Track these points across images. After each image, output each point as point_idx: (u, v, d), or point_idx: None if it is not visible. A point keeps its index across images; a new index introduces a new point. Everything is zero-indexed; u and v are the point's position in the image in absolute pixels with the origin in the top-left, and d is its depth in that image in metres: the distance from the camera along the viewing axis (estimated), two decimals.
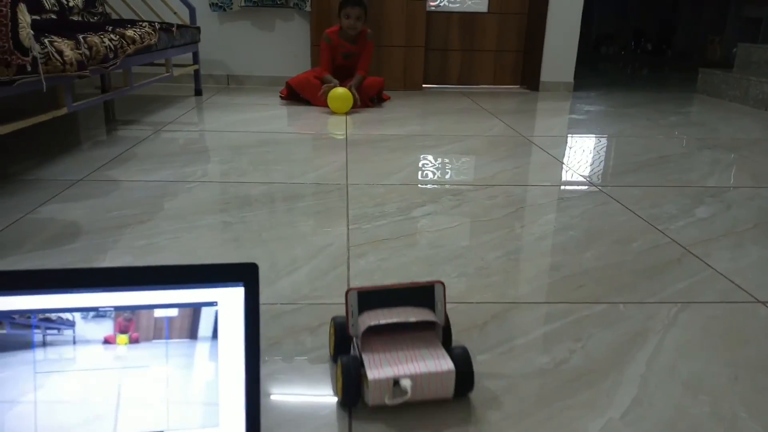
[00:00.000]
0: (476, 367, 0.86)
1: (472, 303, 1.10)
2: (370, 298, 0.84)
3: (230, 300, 0.63)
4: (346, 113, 3.05)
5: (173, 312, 0.62)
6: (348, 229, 1.45)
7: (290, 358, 0.91)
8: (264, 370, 0.88)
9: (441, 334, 0.86)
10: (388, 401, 0.77)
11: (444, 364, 0.79)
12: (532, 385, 0.86)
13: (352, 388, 0.78)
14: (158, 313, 0.62)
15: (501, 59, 4.29)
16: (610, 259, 1.32)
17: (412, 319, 0.82)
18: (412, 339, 0.84)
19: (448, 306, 1.02)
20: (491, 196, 1.74)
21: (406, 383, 0.76)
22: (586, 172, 2.05)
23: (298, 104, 3.29)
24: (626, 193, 1.80)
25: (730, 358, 0.95)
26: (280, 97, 3.43)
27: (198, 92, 3.48)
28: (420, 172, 1.99)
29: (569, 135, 2.71)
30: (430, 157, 2.20)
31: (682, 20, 7.10)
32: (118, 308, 0.61)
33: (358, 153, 2.23)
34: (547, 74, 4.14)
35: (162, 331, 0.62)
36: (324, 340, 0.96)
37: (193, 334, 0.62)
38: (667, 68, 6.22)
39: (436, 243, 1.38)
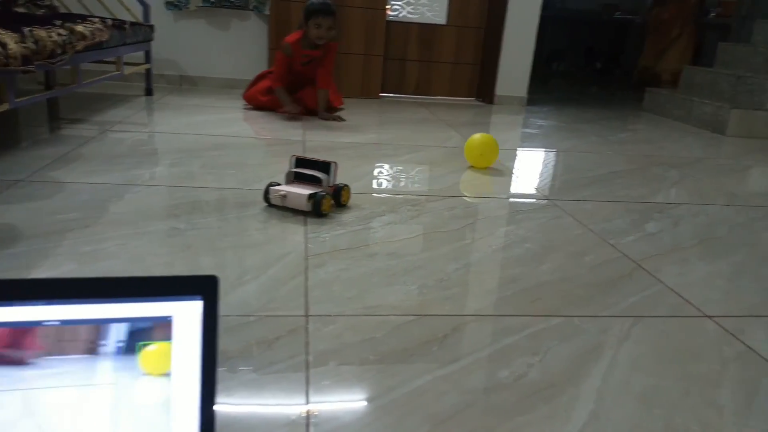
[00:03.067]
0: (436, 381, 0.85)
1: (433, 315, 1.10)
2: (300, 161, 1.69)
3: (187, 314, 0.60)
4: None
5: (124, 326, 0.58)
6: (306, 237, 1.42)
7: (245, 373, 0.88)
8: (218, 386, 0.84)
9: (330, 190, 1.62)
10: (272, 201, 1.60)
11: (306, 192, 1.55)
12: (492, 400, 0.86)
13: (265, 192, 1.62)
14: (107, 327, 0.58)
15: (458, 71, 4.35)
16: (565, 272, 1.34)
17: (306, 172, 1.65)
18: (308, 182, 1.64)
19: (409, 318, 1.01)
20: (449, 207, 1.75)
21: (282, 192, 1.57)
22: (541, 186, 2.09)
23: (254, 108, 3.23)
24: (579, 208, 1.84)
25: (682, 372, 0.97)
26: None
27: (149, 92, 3.37)
28: (378, 182, 1.98)
29: (523, 149, 2.76)
30: (387, 167, 2.20)
31: (629, 41, 7.38)
32: (64, 322, 0.57)
33: None
34: (501, 88, 4.21)
35: (109, 345, 0.58)
36: (281, 354, 0.93)
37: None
38: (615, 87, 6.45)
39: (396, 253, 1.37)
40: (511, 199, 1.89)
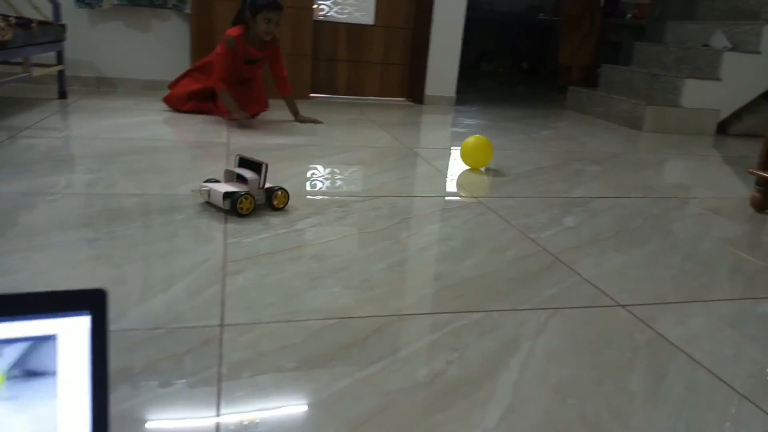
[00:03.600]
0: (355, 384, 0.84)
1: (355, 317, 1.08)
2: (243, 161, 1.68)
3: (74, 331, 0.56)
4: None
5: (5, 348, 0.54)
6: (226, 243, 1.38)
7: (150, 389, 0.84)
8: (119, 406, 0.80)
9: (262, 192, 1.63)
10: (200, 194, 1.63)
11: (223, 190, 1.55)
12: (411, 399, 0.86)
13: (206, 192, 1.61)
14: None
15: (387, 72, 4.36)
16: (487, 267, 1.36)
17: (235, 171, 1.64)
18: (239, 181, 1.63)
19: (330, 322, 1.00)
20: (376, 207, 1.75)
21: (205, 189, 1.60)
22: (467, 185, 2.12)
23: (176, 111, 3.13)
24: (503, 204, 1.88)
25: (596, 361, 1.00)
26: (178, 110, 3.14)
27: (62, 95, 3.20)
28: (306, 183, 1.95)
29: (452, 148, 2.79)
30: (316, 168, 2.17)
31: (552, 42, 7.65)
32: None
33: None
34: (431, 88, 4.26)
35: None
36: (192, 367, 0.90)
37: (26, 372, 0.54)
38: (541, 86, 6.66)
39: (320, 256, 1.35)
40: (437, 198, 1.91)
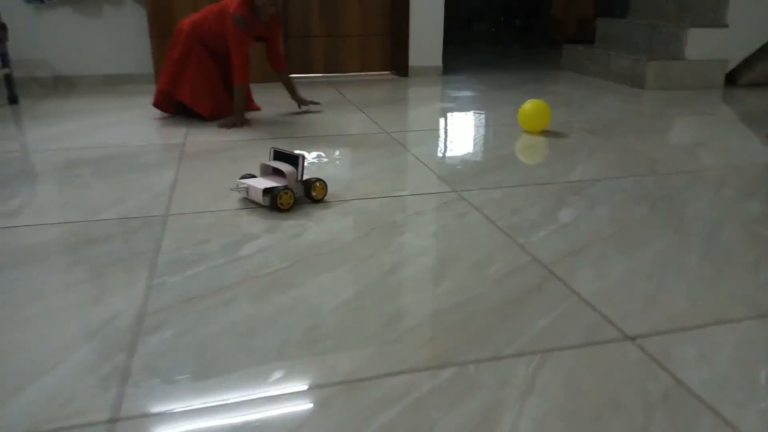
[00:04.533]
0: None
1: (288, 394, 0.86)
2: (278, 154, 1.63)
3: None
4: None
5: None
6: (149, 285, 1.15)
7: None
8: None
9: (300, 185, 1.59)
10: (238, 191, 1.62)
11: (262, 186, 1.51)
12: None
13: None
14: None
15: (367, 44, 4.06)
16: (465, 293, 1.13)
17: (273, 165, 1.59)
18: (277, 176, 1.60)
19: (255, 403, 0.77)
20: (341, 215, 1.51)
21: (243, 185, 1.57)
22: (449, 175, 1.87)
23: (147, 108, 2.87)
24: (488, 198, 1.64)
25: (600, 429, 0.78)
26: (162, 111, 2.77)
27: (13, 100, 2.95)
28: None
29: (434, 129, 2.53)
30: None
31: None
32: None
33: (192, 168, 1.91)
34: (415, 59, 3.96)
35: None
36: None
37: None
38: (536, 43, 6.31)
39: (261, 294, 1.12)
40: (414, 196, 1.67)
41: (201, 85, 2.58)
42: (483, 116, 2.73)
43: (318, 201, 1.60)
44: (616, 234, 1.40)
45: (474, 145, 2.23)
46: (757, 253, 1.30)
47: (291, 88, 2.80)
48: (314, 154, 2.09)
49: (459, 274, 1.20)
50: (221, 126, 2.51)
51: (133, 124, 2.55)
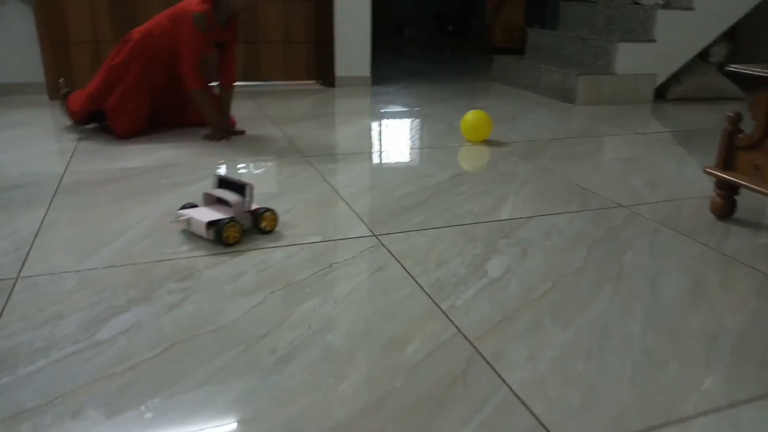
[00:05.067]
0: None
1: None
2: (222, 182, 1.51)
3: None
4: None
5: None
6: None
7: None
8: None
9: (248, 215, 1.46)
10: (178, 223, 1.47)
11: (206, 219, 1.38)
12: None
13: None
14: None
15: (291, 52, 3.81)
16: (376, 388, 0.92)
17: (217, 195, 1.47)
18: (222, 206, 1.47)
19: None
20: (235, 275, 1.27)
21: (184, 218, 1.43)
22: (369, 212, 1.67)
23: (31, 125, 2.51)
24: (410, 245, 1.44)
25: None
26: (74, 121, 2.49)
27: None
28: (144, 239, 1.45)
29: (358, 153, 2.32)
30: (169, 206, 1.66)
31: (477, 2, 7.19)
32: None
33: (65, 208, 1.62)
34: (342, 68, 3.75)
35: None
36: None
37: None
38: (469, 48, 6.23)
39: (112, 404, 0.87)
40: (326, 243, 1.45)
41: (128, 101, 2.31)
42: (411, 138, 2.55)
43: (267, 233, 1.47)
44: (549, 293, 1.24)
45: (400, 173, 2.04)
46: (703, 316, 1.16)
47: (224, 110, 2.51)
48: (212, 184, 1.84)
49: (370, 360, 0.99)
50: (205, 138, 2.37)
51: (8, 145, 2.20)
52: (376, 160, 2.19)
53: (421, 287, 1.24)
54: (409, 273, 1.30)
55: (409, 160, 2.20)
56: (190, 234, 1.47)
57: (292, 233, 1.50)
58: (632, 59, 3.47)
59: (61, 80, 2.65)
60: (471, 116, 2.47)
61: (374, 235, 1.50)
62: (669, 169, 2.15)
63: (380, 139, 2.49)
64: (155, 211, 1.61)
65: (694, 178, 2.05)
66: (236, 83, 2.55)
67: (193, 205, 1.49)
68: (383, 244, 1.45)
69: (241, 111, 2.97)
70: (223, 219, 1.38)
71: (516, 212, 1.68)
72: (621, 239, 1.52)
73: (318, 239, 1.47)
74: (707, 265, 1.38)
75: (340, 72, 3.75)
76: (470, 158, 2.24)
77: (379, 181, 1.94)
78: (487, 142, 2.47)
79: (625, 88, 3.50)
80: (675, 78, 3.62)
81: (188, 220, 1.42)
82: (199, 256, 1.36)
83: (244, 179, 1.50)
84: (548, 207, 1.73)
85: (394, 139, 2.51)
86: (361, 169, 2.06)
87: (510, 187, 1.90)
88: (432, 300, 1.19)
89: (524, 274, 1.31)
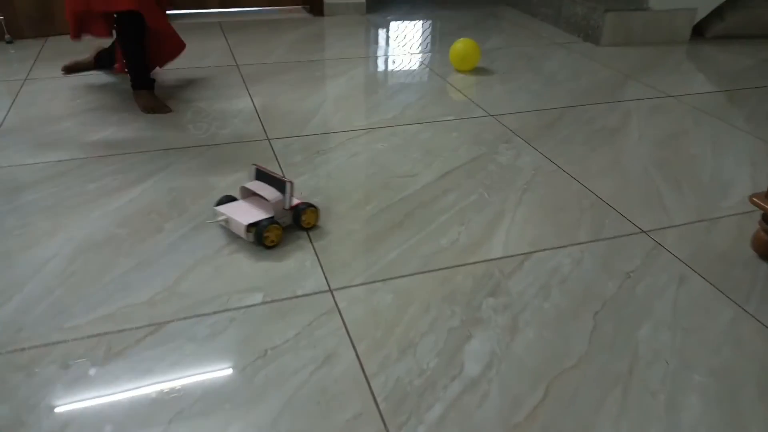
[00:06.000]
0: None
1: None
2: (260, 174, 1.40)
3: None
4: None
5: None
6: None
7: None
8: None
9: (288, 213, 1.37)
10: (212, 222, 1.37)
11: (246, 220, 1.30)
12: None
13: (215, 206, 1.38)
14: None
15: None
16: None
17: (256, 191, 1.36)
18: (260, 203, 1.37)
19: None
20: (125, 371, 1.00)
21: (222, 217, 1.34)
22: (328, 246, 1.36)
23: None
24: (372, 308, 1.15)
25: None
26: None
27: None
28: (24, 301, 1.17)
29: (330, 132, 1.97)
30: (55, 248, 1.36)
31: None
32: None
33: None
34: None
35: None
36: None
37: None
38: None
39: None
40: (263, 307, 1.16)
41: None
42: (408, 95, 2.17)
43: (308, 229, 1.39)
44: (539, 411, 0.96)
45: (379, 171, 1.70)
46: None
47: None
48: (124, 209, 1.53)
49: None
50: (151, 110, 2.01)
51: None
52: (353, 146, 1.84)
53: (375, 400, 0.97)
54: (363, 369, 1.03)
55: (395, 143, 1.85)
56: None
57: (217, 287, 1.21)
58: None
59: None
60: (460, 45, 2.47)
61: (329, 290, 1.21)
62: (703, 161, 1.79)
63: (365, 108, 2.12)
64: (52, 247, 1.32)
65: (733, 176, 1.70)
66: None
67: (230, 198, 1.40)
68: (338, 308, 1.16)
69: (207, 57, 2.56)
70: (263, 221, 1.31)
71: (511, 244, 1.37)
72: (638, 297, 1.22)
73: (256, 301, 1.18)
74: (743, 350, 1.09)
75: None
76: (468, 140, 1.88)
77: (350, 184, 1.62)
78: (495, 119, 2.09)
79: (659, 26, 3.00)
80: (717, 12, 3.10)
81: (226, 220, 1.34)
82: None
83: (284, 175, 1.45)
84: (551, 234, 1.41)
85: (382, 106, 2.13)
86: (333, 163, 1.72)
87: (508, 195, 1.57)
88: (386, 427, 0.92)
89: (510, 373, 1.03)
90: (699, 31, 3.14)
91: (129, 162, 1.68)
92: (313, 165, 1.70)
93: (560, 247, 1.37)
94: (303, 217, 1.38)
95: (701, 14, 3.05)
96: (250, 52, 2.65)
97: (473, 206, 1.52)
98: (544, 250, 1.36)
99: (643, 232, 1.44)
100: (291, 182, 1.35)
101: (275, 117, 2.01)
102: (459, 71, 2.49)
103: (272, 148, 1.79)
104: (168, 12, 2.19)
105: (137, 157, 1.71)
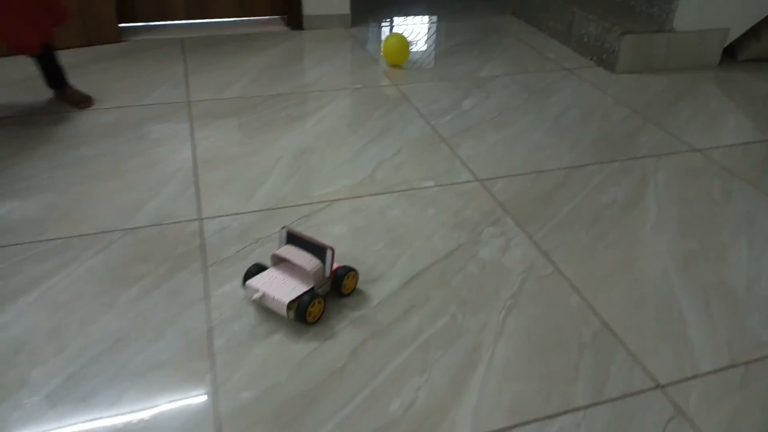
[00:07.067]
0: None
1: None
2: (292, 238, 1.26)
3: None
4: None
5: None
6: None
7: None
8: None
9: (327, 280, 1.24)
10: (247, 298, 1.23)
11: (286, 297, 1.17)
12: None
13: (244, 278, 1.24)
14: None
15: None
16: None
17: (292, 260, 1.22)
18: (296, 272, 1.23)
19: None
20: None
21: (258, 294, 1.19)
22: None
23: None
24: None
25: None
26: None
27: None
28: None
29: (278, 208, 1.62)
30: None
31: None
32: None
33: None
34: (312, 4, 2.87)
35: None
36: None
37: None
38: None
39: None
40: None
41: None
42: (385, 121, 1.81)
43: (347, 295, 1.27)
44: None
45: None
46: None
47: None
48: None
49: None
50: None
51: None
52: (303, 230, 1.49)
53: None
54: None
55: (355, 226, 1.50)
56: None
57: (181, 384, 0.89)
58: (698, 8, 2.53)
59: None
60: (392, 40, 2.49)
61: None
62: (736, 258, 1.43)
63: (329, 168, 1.77)
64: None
65: None
66: None
67: (260, 267, 1.27)
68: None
69: (155, 91, 2.21)
70: (305, 297, 1.18)
71: (483, 412, 1.03)
72: None
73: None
74: None
75: (310, 9, 2.88)
76: (447, 220, 1.53)
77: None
78: (483, 186, 1.73)
79: (684, 50, 2.60)
80: (752, 32, 2.69)
81: (262, 295, 1.20)
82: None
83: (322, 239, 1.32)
84: (538, 392, 1.07)
85: (349, 165, 1.78)
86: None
87: (488, 318, 1.22)
88: None
89: None
90: (730, 52, 2.74)
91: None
92: (246, 262, 1.36)
93: (549, 417, 1.03)
94: (345, 281, 1.26)
95: (734, 35, 2.65)
96: (208, 83, 2.30)
97: (441, 337, 1.18)
98: (528, 423, 1.02)
99: (659, 386, 1.10)
100: (332, 249, 1.22)
101: (216, 183, 1.67)
102: (392, 65, 2.49)
103: (201, 235, 1.46)
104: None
105: (24, 254, 1.38)
